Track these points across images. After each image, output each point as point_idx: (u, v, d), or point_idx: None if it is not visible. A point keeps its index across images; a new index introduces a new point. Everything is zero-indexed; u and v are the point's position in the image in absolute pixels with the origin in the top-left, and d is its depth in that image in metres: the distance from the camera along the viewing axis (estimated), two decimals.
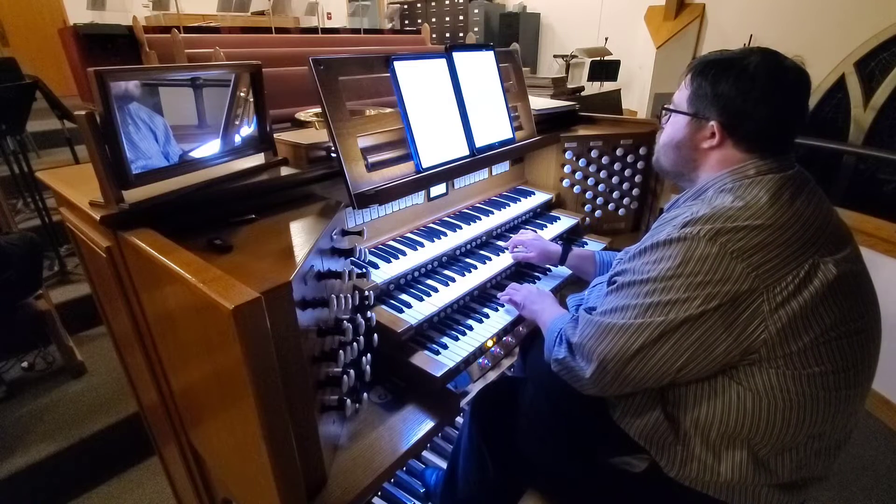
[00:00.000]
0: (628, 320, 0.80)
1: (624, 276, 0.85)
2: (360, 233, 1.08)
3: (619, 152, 1.74)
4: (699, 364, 0.77)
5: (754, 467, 0.81)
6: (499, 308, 1.31)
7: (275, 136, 1.15)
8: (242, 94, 1.06)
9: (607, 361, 0.81)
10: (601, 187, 1.79)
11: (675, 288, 0.77)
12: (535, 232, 1.60)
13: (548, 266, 1.51)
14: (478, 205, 1.70)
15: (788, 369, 0.76)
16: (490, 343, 1.20)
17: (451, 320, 1.25)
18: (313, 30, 6.05)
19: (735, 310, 0.74)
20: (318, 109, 1.18)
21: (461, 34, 7.56)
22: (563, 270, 1.47)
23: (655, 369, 0.79)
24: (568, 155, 1.76)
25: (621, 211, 1.82)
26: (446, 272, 1.35)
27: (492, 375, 1.36)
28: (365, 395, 1.01)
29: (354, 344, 0.95)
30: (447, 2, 7.78)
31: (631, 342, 0.79)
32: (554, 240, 1.57)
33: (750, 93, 0.83)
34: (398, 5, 8.48)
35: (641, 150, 1.73)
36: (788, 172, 0.83)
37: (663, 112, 1.00)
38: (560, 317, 1.06)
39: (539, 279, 1.46)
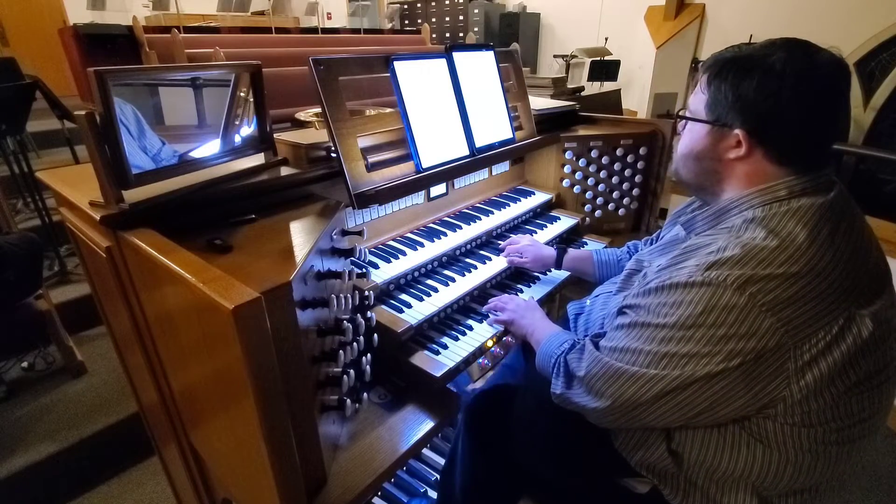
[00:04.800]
0: (642, 368, 0.75)
1: (637, 314, 0.78)
2: (360, 233, 1.08)
3: (619, 152, 1.74)
4: (712, 416, 0.74)
5: None
6: None
7: (275, 136, 1.15)
8: (242, 94, 1.06)
9: (615, 404, 0.78)
10: (601, 187, 1.79)
11: (694, 339, 0.70)
12: (532, 235, 1.58)
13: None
14: (478, 205, 1.70)
15: (805, 426, 0.72)
16: (490, 343, 1.20)
17: (451, 320, 1.25)
18: (313, 30, 6.05)
19: (757, 367, 0.68)
20: (318, 109, 1.18)
21: (461, 34, 7.56)
22: (558, 274, 1.46)
23: (665, 417, 0.76)
24: (568, 155, 1.76)
25: (621, 211, 1.82)
26: (446, 272, 1.35)
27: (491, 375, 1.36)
28: (365, 395, 1.01)
29: (354, 344, 0.95)
30: (447, 2, 7.77)
31: (643, 392, 0.75)
32: (550, 242, 1.56)
33: (778, 95, 0.72)
34: (398, 5, 8.48)
35: (641, 150, 1.73)
36: (829, 197, 0.73)
37: (678, 119, 0.90)
38: (554, 336, 1.02)
39: (538, 280, 1.46)
